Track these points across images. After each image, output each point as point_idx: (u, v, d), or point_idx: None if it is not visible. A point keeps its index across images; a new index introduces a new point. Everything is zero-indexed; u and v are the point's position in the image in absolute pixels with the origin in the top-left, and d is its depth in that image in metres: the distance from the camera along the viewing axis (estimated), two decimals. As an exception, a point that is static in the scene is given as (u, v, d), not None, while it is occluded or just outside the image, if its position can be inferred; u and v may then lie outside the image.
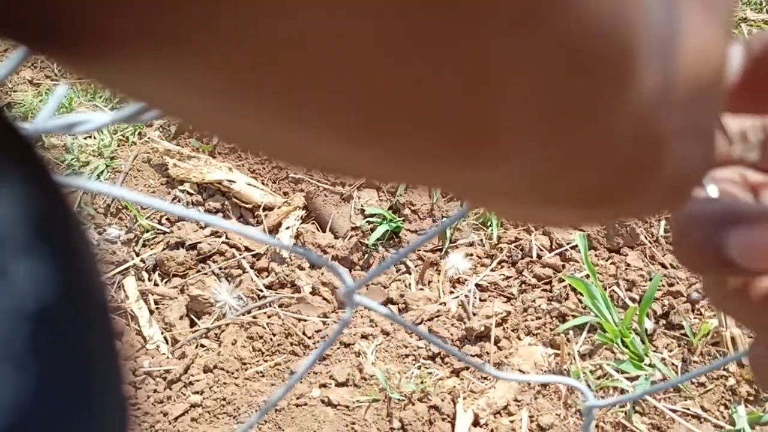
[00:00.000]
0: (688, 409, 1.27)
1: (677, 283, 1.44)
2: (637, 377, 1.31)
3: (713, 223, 0.23)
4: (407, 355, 1.39)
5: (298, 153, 0.15)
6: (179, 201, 1.70)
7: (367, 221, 1.62)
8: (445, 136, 0.13)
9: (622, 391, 1.30)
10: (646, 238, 1.53)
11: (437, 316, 1.46)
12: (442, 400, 1.31)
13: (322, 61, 0.11)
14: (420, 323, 1.45)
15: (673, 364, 1.33)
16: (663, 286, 1.44)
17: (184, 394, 1.37)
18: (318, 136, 0.13)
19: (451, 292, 1.51)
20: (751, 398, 1.27)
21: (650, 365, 1.32)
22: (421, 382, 1.33)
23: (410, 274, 1.57)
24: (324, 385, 1.35)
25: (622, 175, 0.16)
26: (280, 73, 0.12)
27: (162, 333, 1.48)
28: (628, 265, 1.49)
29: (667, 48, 0.15)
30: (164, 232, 1.66)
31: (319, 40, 0.11)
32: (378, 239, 1.59)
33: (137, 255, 1.62)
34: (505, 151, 0.14)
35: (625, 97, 0.14)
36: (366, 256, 1.59)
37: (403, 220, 1.62)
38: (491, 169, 0.15)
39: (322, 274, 1.54)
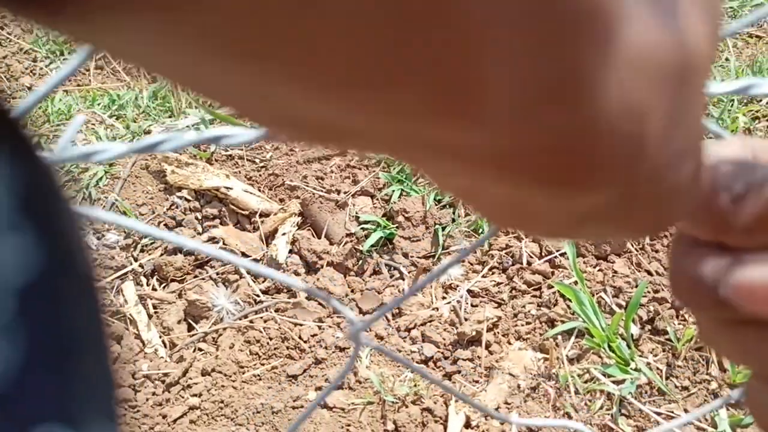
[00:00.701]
0: (672, 412, 1.32)
1: (662, 289, 1.49)
2: (623, 381, 1.35)
3: (710, 260, 0.23)
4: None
5: (284, 111, 0.15)
6: (177, 207, 1.73)
7: (362, 228, 1.66)
8: (434, 88, 0.13)
9: (609, 395, 1.34)
10: (632, 246, 1.57)
11: (430, 321, 1.50)
12: (435, 403, 1.35)
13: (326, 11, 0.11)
14: (413, 328, 1.49)
15: (657, 368, 1.38)
16: (648, 292, 1.48)
17: (183, 397, 1.40)
18: (310, 90, 0.13)
19: (444, 298, 1.55)
20: (733, 401, 1.31)
21: (636, 369, 1.37)
22: (414, 386, 1.37)
23: (404, 280, 1.60)
24: (320, 388, 1.39)
25: (607, 157, 0.16)
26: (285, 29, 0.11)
27: (160, 337, 1.52)
28: (615, 272, 1.53)
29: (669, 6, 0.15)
30: (162, 238, 1.69)
31: None
32: (372, 245, 1.63)
33: (135, 260, 1.65)
34: (486, 112, 0.14)
35: (609, 61, 0.14)
36: (360, 262, 1.63)
37: (397, 227, 1.66)
38: (474, 130, 0.14)
39: (318, 279, 1.58)
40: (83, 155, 0.54)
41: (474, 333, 1.45)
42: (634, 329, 1.43)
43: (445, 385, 0.68)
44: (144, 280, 1.62)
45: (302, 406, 1.35)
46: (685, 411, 1.32)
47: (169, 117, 1.93)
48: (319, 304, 1.56)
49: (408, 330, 1.49)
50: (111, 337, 1.48)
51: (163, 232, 0.57)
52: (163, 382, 1.43)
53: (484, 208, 0.20)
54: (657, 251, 1.57)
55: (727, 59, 2.03)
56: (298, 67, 0.12)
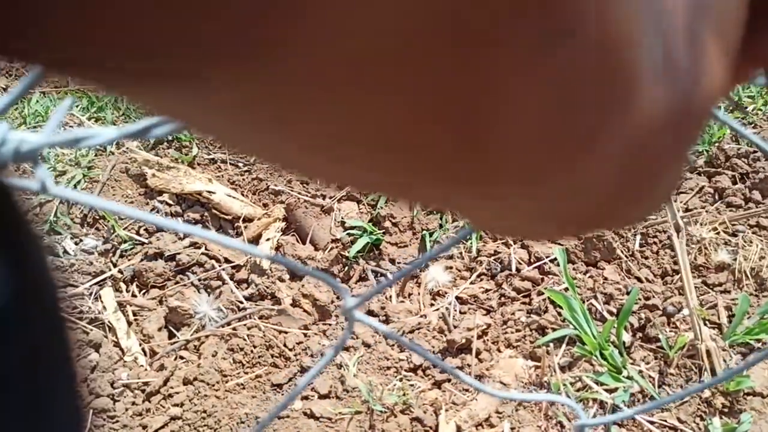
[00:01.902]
0: (666, 420, 1.30)
1: (653, 296, 1.47)
2: (615, 389, 1.33)
3: None
4: (389, 367, 1.40)
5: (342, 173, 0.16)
6: (158, 212, 1.68)
7: (348, 233, 1.63)
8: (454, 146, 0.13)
9: (602, 403, 1.32)
10: (622, 252, 1.56)
11: (418, 329, 1.47)
12: (425, 412, 1.31)
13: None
14: (401, 335, 1.46)
15: (650, 376, 1.36)
16: (640, 299, 1.46)
17: (164, 407, 1.35)
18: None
19: (432, 305, 1.52)
20: (726, 410, 1.30)
21: (628, 377, 1.34)
22: (404, 394, 1.33)
23: (391, 286, 1.57)
24: (306, 398, 1.35)
25: (614, 207, 0.17)
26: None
27: (140, 345, 1.47)
28: (606, 278, 1.51)
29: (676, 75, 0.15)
30: (142, 243, 1.64)
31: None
32: (359, 251, 1.60)
33: (115, 266, 1.60)
34: (500, 169, 0.14)
35: (620, 125, 0.14)
36: (346, 268, 1.60)
37: (384, 233, 1.63)
38: (489, 183, 0.15)
39: (303, 286, 1.54)
40: (71, 140, 0.50)
41: (463, 340, 1.42)
42: (626, 337, 1.41)
43: (457, 373, 0.65)
44: (123, 286, 1.57)
45: (288, 416, 1.31)
46: (678, 420, 1.30)
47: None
48: (305, 311, 1.52)
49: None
50: (89, 345, 1.43)
51: (159, 219, 0.54)
52: (143, 391, 1.38)
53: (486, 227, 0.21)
54: (647, 258, 1.56)
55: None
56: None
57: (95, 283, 1.56)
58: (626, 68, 0.13)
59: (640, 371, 1.36)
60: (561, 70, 0.12)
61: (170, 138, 1.82)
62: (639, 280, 1.52)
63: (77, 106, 1.89)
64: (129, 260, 1.61)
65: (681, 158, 0.18)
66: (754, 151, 1.72)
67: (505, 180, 0.15)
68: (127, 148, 1.80)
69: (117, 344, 1.46)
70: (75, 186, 1.71)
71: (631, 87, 0.14)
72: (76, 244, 1.63)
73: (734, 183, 1.68)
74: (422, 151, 0.13)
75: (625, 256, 1.56)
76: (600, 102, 0.14)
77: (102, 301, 1.53)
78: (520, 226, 0.19)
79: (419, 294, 1.55)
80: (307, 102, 0.12)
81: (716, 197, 1.67)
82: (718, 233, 1.57)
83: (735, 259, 1.51)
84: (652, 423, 1.29)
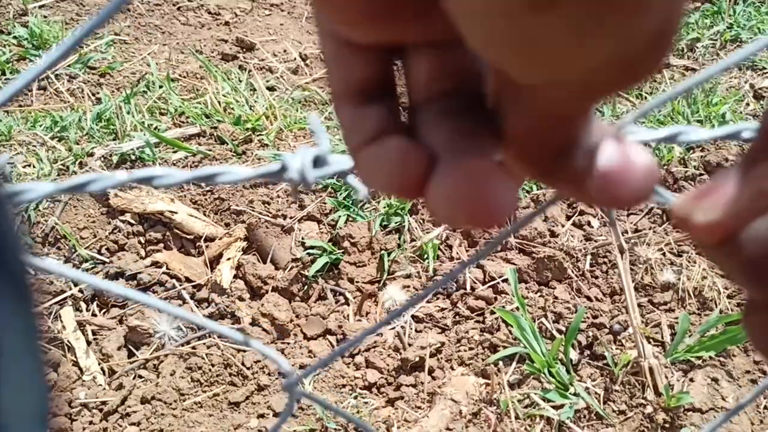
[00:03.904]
0: (610, 435, 1.34)
1: (601, 315, 1.52)
2: (562, 406, 1.38)
3: None
4: (344, 385, 1.43)
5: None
6: (119, 231, 1.70)
7: (308, 253, 1.66)
8: None
9: (549, 420, 1.36)
10: (572, 272, 1.61)
11: (374, 347, 1.50)
12: (378, 429, 1.35)
13: None
14: (357, 354, 1.49)
15: (596, 392, 1.41)
16: (587, 318, 1.52)
17: (121, 426, 1.37)
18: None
19: (388, 323, 1.55)
20: (667, 425, 1.35)
21: (575, 394, 1.39)
22: (357, 412, 1.36)
23: (348, 305, 1.61)
24: (262, 416, 1.38)
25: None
26: None
27: (99, 364, 1.48)
28: (556, 297, 1.56)
29: None
30: (103, 262, 1.66)
31: None
32: (318, 271, 1.63)
33: (75, 285, 1.61)
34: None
35: None
36: (306, 287, 1.63)
37: (343, 253, 1.66)
38: None
39: (262, 305, 1.57)
40: (6, 195, 0.53)
41: (417, 359, 1.46)
42: (573, 354, 1.46)
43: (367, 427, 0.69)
44: (84, 305, 1.59)
45: (243, 434, 1.34)
46: (622, 435, 1.34)
47: (114, 140, 1.91)
48: (264, 330, 1.55)
49: (352, 356, 1.50)
50: (47, 364, 1.45)
51: (125, 290, 0.57)
52: (100, 410, 1.40)
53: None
54: (596, 277, 1.61)
55: (664, 90, 2.11)
56: None
57: (55, 303, 1.58)
58: None
59: (587, 388, 1.41)
60: None
61: (133, 157, 1.84)
62: (588, 299, 1.57)
63: (40, 126, 1.91)
64: (90, 279, 1.63)
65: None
66: (701, 174, 1.79)
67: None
68: (90, 167, 1.82)
69: (76, 363, 1.48)
70: (36, 206, 1.72)
71: None
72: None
73: (681, 205, 1.74)
74: None
75: (576, 275, 1.61)
76: None
77: (62, 321, 1.54)
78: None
79: (376, 312, 1.59)
80: None
81: (664, 218, 1.73)
82: (664, 254, 1.63)
83: (679, 279, 1.57)
84: (596, 438, 1.34)
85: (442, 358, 1.48)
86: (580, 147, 0.26)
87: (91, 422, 1.38)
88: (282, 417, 0.59)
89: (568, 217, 1.74)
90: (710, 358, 1.44)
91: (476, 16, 0.18)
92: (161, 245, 1.71)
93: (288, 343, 1.53)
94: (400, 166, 0.25)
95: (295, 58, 2.31)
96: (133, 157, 1.84)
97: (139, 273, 1.63)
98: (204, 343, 1.51)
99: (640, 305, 1.53)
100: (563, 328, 1.51)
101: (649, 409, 1.36)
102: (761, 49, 0.40)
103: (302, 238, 1.69)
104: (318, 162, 0.41)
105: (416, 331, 1.54)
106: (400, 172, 0.25)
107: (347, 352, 1.49)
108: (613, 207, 0.26)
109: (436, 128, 0.26)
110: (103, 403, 1.41)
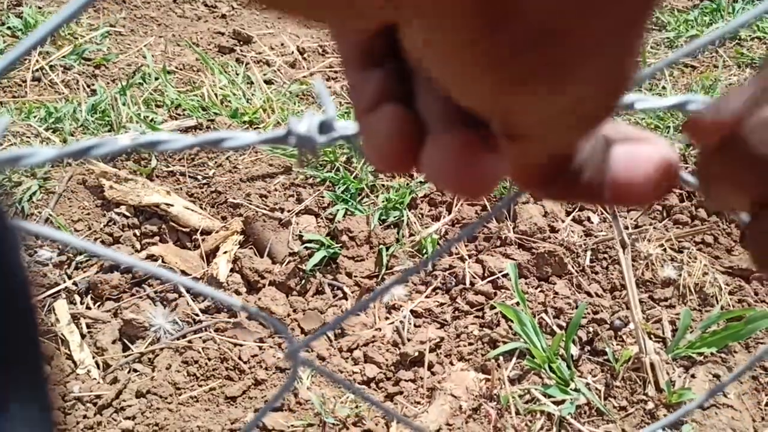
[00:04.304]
0: (610, 431, 1.33)
1: (601, 311, 1.51)
2: (563, 401, 1.36)
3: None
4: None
5: None
6: (115, 224, 1.68)
7: (305, 247, 1.64)
8: None
9: (549, 415, 1.35)
10: (573, 267, 1.60)
11: (372, 342, 1.48)
12: (376, 425, 1.33)
13: None
14: (355, 348, 1.48)
15: (596, 388, 1.39)
16: (588, 313, 1.50)
17: (116, 420, 1.35)
18: None
19: (387, 318, 1.54)
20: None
21: (575, 390, 1.38)
22: (356, 407, 1.35)
23: (347, 299, 1.59)
24: (259, 410, 1.36)
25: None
26: None
27: (93, 357, 1.46)
28: (557, 293, 1.55)
29: None
30: (98, 255, 1.63)
31: None
32: (315, 265, 1.61)
33: (69, 278, 1.59)
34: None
35: None
36: (303, 281, 1.61)
37: (341, 247, 1.65)
38: None
39: (259, 299, 1.55)
40: (9, 159, 0.51)
41: (416, 354, 1.44)
42: (574, 350, 1.45)
43: (386, 408, 0.67)
44: (78, 298, 1.57)
45: (239, 429, 1.32)
46: (623, 431, 1.33)
47: (109, 131, 1.89)
48: (260, 324, 1.53)
49: (350, 350, 1.48)
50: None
51: (99, 248, 0.55)
52: (95, 404, 1.38)
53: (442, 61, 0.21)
54: (596, 273, 1.60)
55: (663, 87, 2.10)
56: None
57: (49, 295, 1.55)
58: None
59: (587, 384, 1.40)
60: None
61: (129, 150, 1.82)
62: (588, 294, 1.56)
63: (34, 117, 1.88)
64: (84, 272, 1.61)
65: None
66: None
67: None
68: (85, 159, 1.79)
69: (70, 357, 1.46)
70: (30, 197, 1.70)
71: None
72: (31, 255, 1.62)
73: (681, 201, 1.74)
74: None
75: (576, 271, 1.60)
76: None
77: (55, 314, 1.52)
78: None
79: (375, 307, 1.57)
80: None
81: (664, 214, 1.72)
82: (664, 250, 1.62)
83: (680, 275, 1.56)
84: (597, 434, 1.33)
85: (441, 353, 1.47)
86: (583, 161, 0.26)
87: (85, 416, 1.35)
88: (286, 385, 0.57)
89: (568, 213, 1.73)
90: (711, 354, 1.43)
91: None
92: (157, 238, 1.68)
93: (285, 338, 1.51)
94: (390, 135, 0.25)
95: (292, 52, 2.29)
96: (129, 149, 1.82)
97: (134, 266, 1.60)
98: (200, 337, 1.49)
99: (640, 301, 1.52)
100: (563, 324, 1.50)
101: (650, 405, 1.35)
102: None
103: (300, 232, 1.67)
104: (324, 127, 0.40)
105: (415, 326, 1.53)
106: (390, 143, 0.25)
107: (345, 346, 1.48)
108: (634, 206, 0.27)
109: (431, 95, 0.25)
110: (98, 396, 1.39)
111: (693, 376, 1.41)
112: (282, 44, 2.33)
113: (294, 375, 0.61)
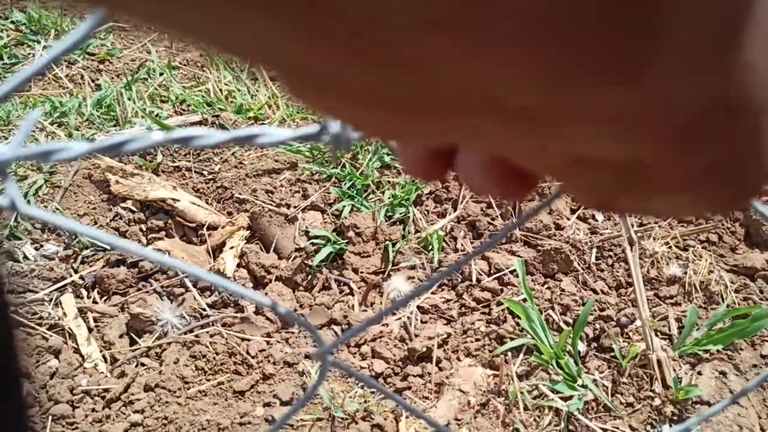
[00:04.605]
0: (617, 428, 1.34)
1: (608, 308, 1.52)
2: (570, 397, 1.37)
3: None
4: (351, 375, 1.42)
5: None
6: (121, 218, 1.68)
7: (312, 243, 1.64)
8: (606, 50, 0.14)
9: (557, 411, 1.35)
10: (579, 264, 1.60)
11: (380, 337, 1.49)
12: (385, 419, 1.33)
13: None
14: (363, 344, 1.48)
15: (603, 385, 1.40)
16: (595, 310, 1.51)
17: (124, 413, 1.35)
18: None
19: (394, 314, 1.54)
20: (675, 418, 1.34)
21: (583, 386, 1.38)
22: (365, 401, 1.35)
23: (353, 295, 1.59)
24: (268, 404, 1.36)
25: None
26: None
27: (101, 351, 1.46)
28: (563, 290, 1.56)
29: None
30: (104, 249, 1.63)
31: None
32: (322, 261, 1.61)
33: (76, 272, 1.59)
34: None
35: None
36: (309, 277, 1.61)
37: (347, 243, 1.65)
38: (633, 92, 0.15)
39: (266, 294, 1.55)
40: (40, 153, 0.51)
41: (424, 349, 1.45)
42: (581, 346, 1.46)
43: (399, 399, 0.68)
44: (84, 292, 1.56)
45: (249, 423, 1.32)
46: (630, 427, 1.34)
47: (114, 126, 1.88)
48: (267, 318, 1.53)
49: (358, 346, 1.48)
50: (48, 351, 1.42)
51: (106, 235, 0.55)
52: (103, 398, 1.38)
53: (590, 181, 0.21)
54: (602, 270, 1.61)
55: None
56: None
57: (55, 289, 1.55)
58: None
59: (595, 380, 1.40)
60: None
61: (163, 145, 1.81)
62: (594, 291, 1.57)
63: (40, 111, 1.88)
64: (91, 266, 1.61)
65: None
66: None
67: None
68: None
69: (77, 351, 1.45)
70: (36, 191, 1.69)
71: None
72: (37, 249, 1.61)
73: (686, 199, 1.75)
74: None
75: (582, 268, 1.60)
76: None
77: (62, 308, 1.52)
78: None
79: (381, 303, 1.58)
80: None
81: (669, 213, 1.73)
82: (670, 247, 1.63)
83: (686, 273, 1.57)
84: (604, 430, 1.33)
85: (448, 348, 1.47)
86: None
87: (93, 409, 1.35)
88: (316, 383, 0.58)
89: (573, 211, 1.74)
90: (718, 351, 1.44)
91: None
92: (163, 233, 1.68)
93: (292, 333, 1.51)
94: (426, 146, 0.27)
95: (296, 49, 2.29)
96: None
97: (141, 260, 1.60)
98: (207, 332, 1.49)
99: (647, 298, 1.53)
100: (570, 320, 1.50)
101: (657, 402, 1.36)
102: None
103: (306, 228, 1.68)
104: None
105: (422, 322, 1.53)
106: (427, 156, 0.27)
107: (353, 342, 1.48)
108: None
109: None
110: (106, 390, 1.39)
111: (699, 373, 1.42)
112: (286, 41, 2.33)
113: (323, 375, 0.61)
